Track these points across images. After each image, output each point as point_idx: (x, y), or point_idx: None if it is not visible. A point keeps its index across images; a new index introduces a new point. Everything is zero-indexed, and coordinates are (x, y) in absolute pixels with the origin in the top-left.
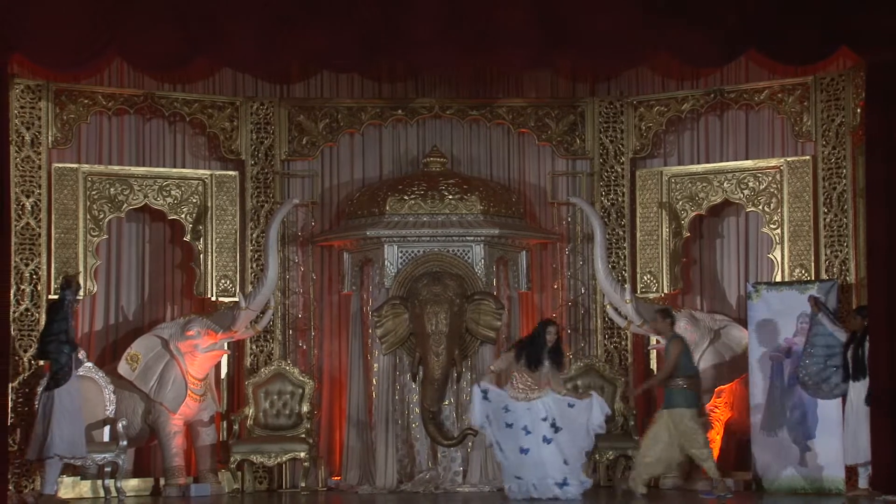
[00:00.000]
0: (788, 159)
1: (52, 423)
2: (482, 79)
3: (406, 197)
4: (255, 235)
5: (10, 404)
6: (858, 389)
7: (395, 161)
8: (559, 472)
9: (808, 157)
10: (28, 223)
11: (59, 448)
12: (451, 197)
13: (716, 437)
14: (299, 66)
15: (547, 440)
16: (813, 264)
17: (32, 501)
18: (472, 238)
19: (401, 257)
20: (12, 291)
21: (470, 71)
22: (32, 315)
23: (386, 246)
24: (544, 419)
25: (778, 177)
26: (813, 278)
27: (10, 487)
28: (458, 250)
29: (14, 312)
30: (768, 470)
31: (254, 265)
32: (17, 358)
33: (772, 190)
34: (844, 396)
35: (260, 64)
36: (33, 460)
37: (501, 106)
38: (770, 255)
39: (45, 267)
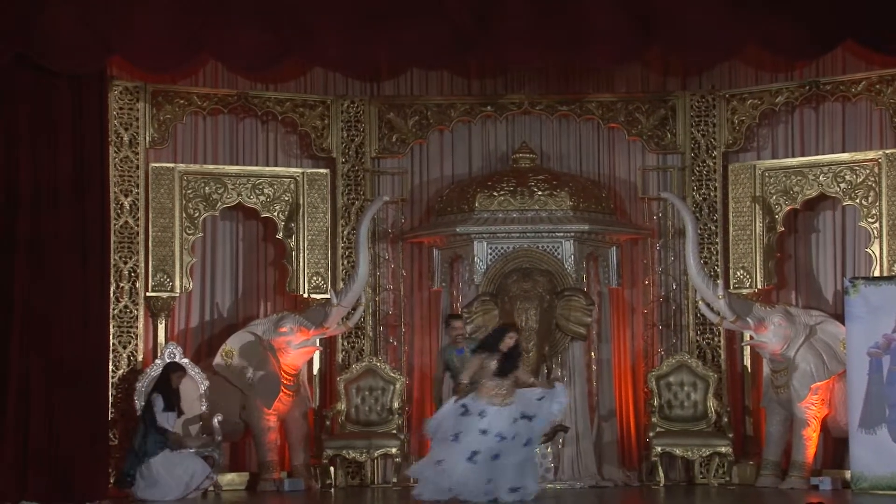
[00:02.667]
0: (887, 151)
1: (163, 484)
2: (571, 74)
3: (495, 193)
4: (345, 232)
5: (109, 400)
6: None
7: (484, 157)
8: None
9: None
10: (126, 222)
11: (174, 496)
12: (540, 193)
13: (812, 434)
14: (389, 63)
15: (495, 456)
16: None
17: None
18: (561, 234)
19: (490, 254)
20: (112, 289)
21: (559, 66)
22: (131, 312)
23: (475, 242)
24: (497, 434)
25: (876, 169)
26: None
27: (111, 481)
28: (548, 246)
29: (113, 310)
30: (867, 468)
31: (345, 262)
32: (116, 354)
33: (870, 183)
34: None
35: (350, 62)
36: None
37: (591, 101)
38: (868, 250)
39: (142, 265)
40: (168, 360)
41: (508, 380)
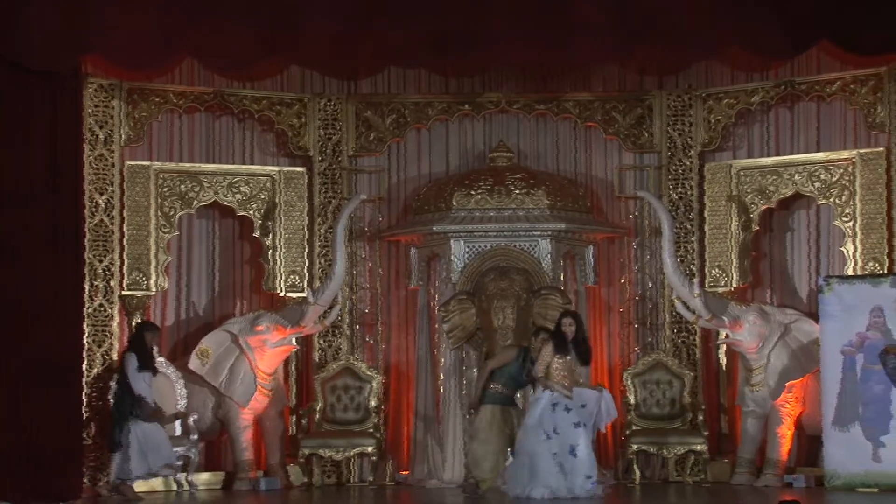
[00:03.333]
0: (861, 151)
1: (129, 453)
2: (549, 73)
3: (473, 192)
4: (322, 231)
5: (84, 398)
6: None
7: (461, 156)
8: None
9: (881, 149)
10: (101, 220)
11: (136, 473)
12: (517, 191)
13: (786, 432)
14: (373, 63)
15: (574, 453)
16: (886, 257)
17: (106, 494)
18: (538, 233)
19: (467, 252)
20: (86, 287)
21: (539, 65)
22: (106, 311)
23: (453, 241)
24: (577, 424)
25: (850, 169)
26: (886, 272)
27: (85, 480)
28: (525, 245)
29: (88, 308)
30: (840, 466)
31: (322, 261)
32: (90, 353)
33: (844, 182)
34: None
35: (331, 62)
36: (117, 484)
37: (568, 100)
38: (842, 249)
39: (117, 263)
40: (142, 320)
41: (572, 365)
